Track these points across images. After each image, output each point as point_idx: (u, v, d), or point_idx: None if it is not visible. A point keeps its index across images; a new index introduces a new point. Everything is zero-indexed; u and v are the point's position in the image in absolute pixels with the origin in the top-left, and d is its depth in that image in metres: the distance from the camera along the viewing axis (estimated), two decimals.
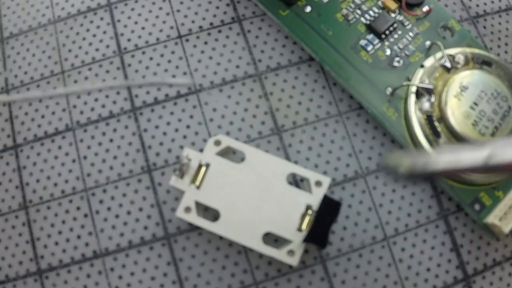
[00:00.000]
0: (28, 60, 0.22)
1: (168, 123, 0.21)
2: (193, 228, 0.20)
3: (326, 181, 0.19)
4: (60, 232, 0.20)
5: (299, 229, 0.18)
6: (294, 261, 0.18)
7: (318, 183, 0.19)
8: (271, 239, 0.19)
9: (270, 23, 0.23)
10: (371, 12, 0.22)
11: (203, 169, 0.19)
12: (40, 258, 0.20)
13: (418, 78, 0.20)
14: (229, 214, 0.19)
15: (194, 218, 0.19)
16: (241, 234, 0.18)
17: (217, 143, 0.19)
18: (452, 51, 0.21)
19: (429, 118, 0.20)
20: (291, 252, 0.18)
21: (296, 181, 0.20)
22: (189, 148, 0.20)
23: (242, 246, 0.20)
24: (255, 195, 0.19)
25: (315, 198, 0.19)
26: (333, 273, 0.20)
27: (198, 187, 0.19)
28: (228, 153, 0.20)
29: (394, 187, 0.20)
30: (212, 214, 0.19)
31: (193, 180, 0.19)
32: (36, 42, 0.22)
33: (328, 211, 0.18)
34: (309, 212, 0.18)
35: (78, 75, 0.22)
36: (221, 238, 0.20)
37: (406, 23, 0.22)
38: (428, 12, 0.22)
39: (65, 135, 0.21)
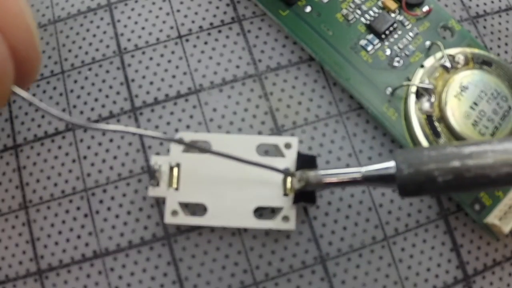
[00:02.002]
0: None
1: (168, 123, 0.21)
2: (193, 228, 0.20)
3: (294, 140, 0.19)
4: (60, 232, 0.20)
5: (285, 194, 0.19)
6: (291, 225, 0.19)
7: (288, 145, 0.19)
8: (263, 213, 0.20)
9: (270, 23, 0.23)
10: (371, 12, 0.22)
11: (175, 170, 0.19)
12: (40, 258, 0.20)
13: (418, 78, 0.20)
14: (215, 203, 0.19)
15: (183, 219, 0.19)
16: (232, 218, 0.19)
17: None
18: (452, 51, 0.21)
19: (429, 118, 0.20)
20: (285, 218, 0.19)
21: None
22: (155, 155, 0.20)
23: (242, 246, 0.20)
24: (233, 177, 0.19)
25: (289, 160, 0.19)
26: (333, 273, 0.20)
27: (176, 189, 0.19)
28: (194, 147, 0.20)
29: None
30: (199, 209, 0.20)
31: (170, 184, 0.19)
32: None
33: (306, 167, 0.19)
34: None
35: (78, 75, 0.22)
36: (221, 238, 0.20)
37: (406, 23, 0.22)
38: (428, 12, 0.22)
39: (65, 135, 0.21)
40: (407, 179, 0.16)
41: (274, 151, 0.20)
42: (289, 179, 0.19)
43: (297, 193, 0.19)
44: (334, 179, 0.18)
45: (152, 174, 0.19)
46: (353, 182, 0.17)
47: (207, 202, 0.19)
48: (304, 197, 0.19)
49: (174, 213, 0.19)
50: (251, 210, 0.19)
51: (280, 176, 0.19)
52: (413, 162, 0.16)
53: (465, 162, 0.15)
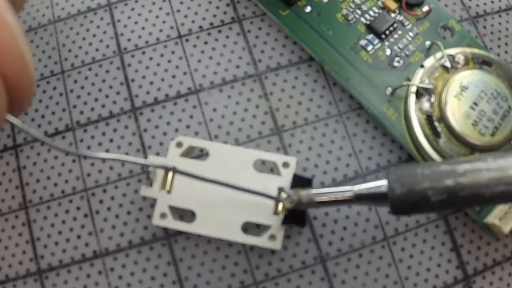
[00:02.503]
0: None
1: (168, 123, 0.21)
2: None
3: (292, 161, 0.19)
4: (60, 232, 0.20)
5: (276, 213, 0.18)
6: (276, 245, 0.18)
7: (286, 164, 0.19)
8: (251, 228, 0.19)
9: (270, 23, 0.23)
10: (371, 12, 0.22)
11: (170, 173, 0.19)
12: (40, 258, 0.20)
13: (418, 78, 0.20)
14: (205, 212, 0.19)
15: (171, 223, 0.19)
16: (220, 229, 0.19)
17: (179, 144, 0.19)
18: (452, 51, 0.21)
19: (429, 118, 0.20)
20: (272, 237, 0.19)
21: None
22: (153, 155, 0.20)
23: (242, 246, 0.20)
24: (227, 189, 0.19)
25: (285, 180, 0.19)
26: (333, 273, 0.20)
27: (169, 192, 0.19)
28: (191, 152, 0.20)
29: None
30: (188, 215, 0.20)
31: (163, 186, 0.19)
32: (36, 42, 0.22)
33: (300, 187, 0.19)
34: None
35: (78, 75, 0.22)
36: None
37: (406, 23, 0.22)
38: (428, 12, 0.22)
39: (65, 135, 0.21)
40: (400, 199, 0.16)
41: (271, 164, 0.20)
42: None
43: (287, 214, 0.18)
44: (325, 198, 0.17)
45: (147, 174, 0.18)
46: (345, 201, 0.17)
47: (197, 209, 0.19)
48: (294, 218, 0.18)
49: (163, 215, 0.19)
50: (239, 224, 0.19)
51: (274, 193, 0.18)
52: (406, 182, 0.16)
53: (459, 180, 0.15)
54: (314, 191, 0.18)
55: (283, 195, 0.18)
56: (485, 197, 0.15)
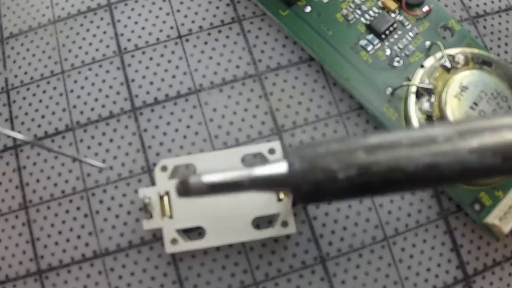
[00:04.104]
0: (28, 60, 0.22)
1: (168, 123, 0.21)
2: (193, 228, 0.20)
3: (276, 145, 0.19)
4: (60, 232, 0.20)
5: (280, 200, 0.18)
6: (291, 229, 0.18)
7: (271, 151, 0.19)
8: (261, 223, 0.19)
9: (270, 23, 0.23)
10: (371, 12, 0.22)
11: (166, 198, 0.19)
12: (40, 258, 0.20)
13: (418, 78, 0.20)
14: (212, 223, 0.19)
15: (184, 246, 0.18)
16: (232, 234, 0.18)
17: (164, 168, 0.19)
18: (452, 51, 0.21)
19: (429, 118, 0.20)
20: (284, 223, 0.19)
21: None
22: (143, 188, 0.19)
23: (242, 246, 0.20)
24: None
25: None
26: (333, 273, 0.20)
27: (171, 217, 0.19)
28: (178, 171, 0.20)
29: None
30: (198, 231, 0.20)
31: (163, 213, 0.19)
32: (36, 42, 0.22)
33: None
34: None
35: (78, 75, 0.22)
36: None
37: (406, 23, 0.22)
38: (428, 12, 0.22)
39: (65, 135, 0.21)
40: (300, 177, 0.13)
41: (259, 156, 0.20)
42: None
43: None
44: (217, 180, 0.14)
45: (144, 208, 0.18)
46: (242, 185, 0.14)
47: (204, 223, 0.19)
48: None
49: (174, 241, 0.18)
50: (249, 222, 0.19)
51: None
52: (307, 155, 0.13)
53: (373, 152, 0.12)
54: (204, 175, 0.15)
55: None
56: (406, 172, 0.12)
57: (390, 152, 0.12)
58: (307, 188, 0.13)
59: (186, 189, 0.15)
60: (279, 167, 0.13)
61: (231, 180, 0.14)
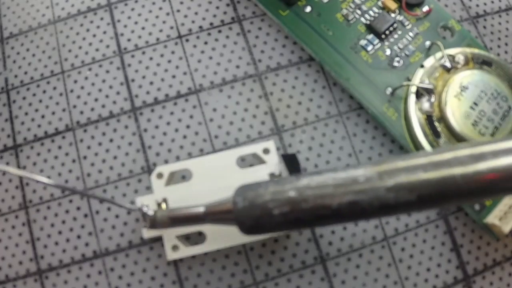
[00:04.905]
0: (28, 60, 0.22)
1: (168, 123, 0.21)
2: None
3: (271, 144, 0.19)
4: (60, 232, 0.20)
5: None
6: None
7: (266, 151, 0.19)
8: None
9: (270, 23, 0.23)
10: (371, 12, 0.22)
11: (164, 205, 0.19)
12: (40, 258, 0.20)
13: (418, 78, 0.20)
14: (212, 227, 0.18)
15: (185, 251, 0.18)
16: (232, 236, 0.18)
17: (159, 175, 0.19)
18: (452, 51, 0.21)
19: (429, 118, 0.20)
20: None
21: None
22: (139, 196, 0.19)
23: (242, 246, 0.20)
24: (221, 196, 0.19)
25: (271, 164, 0.19)
26: (333, 273, 0.20)
27: None
28: (174, 177, 0.20)
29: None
30: (198, 235, 0.20)
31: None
32: (36, 42, 0.22)
33: (290, 166, 0.19)
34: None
35: (78, 75, 0.22)
36: None
37: (406, 23, 0.22)
38: (428, 12, 0.22)
39: (65, 135, 0.21)
40: (242, 213, 0.15)
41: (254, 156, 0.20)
42: None
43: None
44: (178, 215, 0.17)
45: (142, 216, 0.18)
46: (197, 218, 0.17)
47: (204, 228, 0.19)
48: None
49: (175, 248, 0.18)
50: None
51: (136, 207, 0.18)
52: (248, 195, 0.15)
53: (302, 192, 0.14)
54: (169, 208, 0.18)
55: (146, 208, 0.18)
56: (331, 208, 0.14)
57: (318, 191, 0.14)
58: (249, 223, 0.15)
59: (152, 224, 0.18)
60: (226, 205, 0.16)
61: (189, 214, 0.17)
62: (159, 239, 0.20)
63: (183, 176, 0.20)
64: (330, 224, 0.15)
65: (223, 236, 0.18)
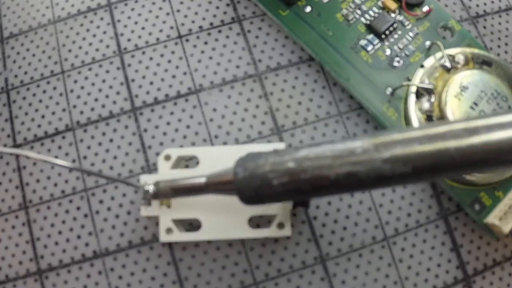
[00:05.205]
0: (28, 60, 0.22)
1: (168, 123, 0.21)
2: (193, 228, 0.20)
3: (282, 146, 0.19)
4: (60, 232, 0.20)
5: None
6: (286, 232, 0.18)
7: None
8: (258, 222, 0.19)
9: (270, 23, 0.23)
10: (371, 12, 0.22)
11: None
12: (40, 258, 0.20)
13: (418, 78, 0.20)
14: (209, 217, 0.19)
15: (179, 236, 0.19)
16: (228, 230, 0.19)
17: (167, 157, 0.19)
18: (452, 51, 0.21)
19: (429, 118, 0.20)
20: (280, 225, 0.19)
21: None
22: (144, 175, 0.19)
23: (242, 246, 0.20)
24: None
25: None
26: (333, 273, 0.20)
27: (169, 206, 0.19)
28: (181, 162, 0.20)
29: (394, 187, 0.20)
30: (194, 224, 0.19)
31: (162, 202, 0.19)
32: (36, 42, 0.22)
33: None
34: None
35: (78, 75, 0.22)
36: None
37: (406, 23, 0.22)
38: (428, 12, 0.22)
39: (65, 135, 0.21)
40: (243, 183, 0.15)
41: None
42: None
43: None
44: (180, 185, 0.17)
45: (143, 194, 0.18)
46: (199, 189, 0.17)
47: (201, 216, 0.19)
48: (298, 201, 0.18)
49: (169, 231, 0.19)
50: (245, 220, 0.19)
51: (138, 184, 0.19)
52: (248, 166, 0.15)
53: (301, 163, 0.15)
54: (171, 179, 0.18)
55: (148, 185, 0.18)
56: (329, 179, 0.14)
57: (316, 162, 0.15)
58: (249, 193, 0.15)
59: (155, 194, 0.18)
60: (227, 175, 0.16)
61: (190, 185, 0.17)
62: (157, 240, 0.20)
63: (187, 166, 0.20)
64: (328, 194, 0.16)
65: (219, 228, 0.19)
